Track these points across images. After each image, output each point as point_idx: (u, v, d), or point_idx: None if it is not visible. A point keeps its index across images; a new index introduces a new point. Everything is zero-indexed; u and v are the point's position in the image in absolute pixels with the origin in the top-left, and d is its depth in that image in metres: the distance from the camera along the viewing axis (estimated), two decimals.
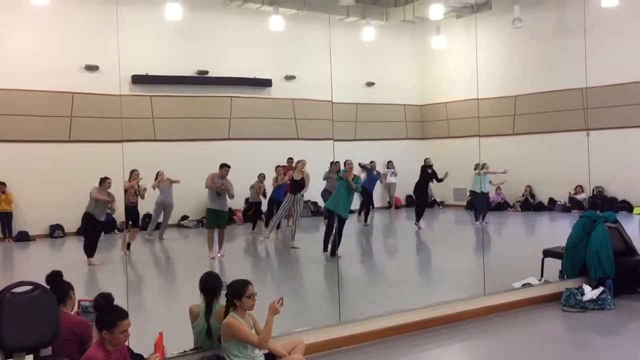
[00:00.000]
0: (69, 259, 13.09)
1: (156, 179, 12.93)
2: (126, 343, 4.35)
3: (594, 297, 7.05)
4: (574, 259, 7.83)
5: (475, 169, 14.46)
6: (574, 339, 6.47)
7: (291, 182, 12.14)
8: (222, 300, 5.07)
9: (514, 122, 18.65)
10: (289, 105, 18.17)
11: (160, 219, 13.66)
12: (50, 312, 4.35)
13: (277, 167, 14.23)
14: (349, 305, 6.96)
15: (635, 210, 15.69)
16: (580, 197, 17.01)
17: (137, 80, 15.88)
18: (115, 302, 4.27)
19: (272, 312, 4.89)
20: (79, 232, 15.10)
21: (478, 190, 14.71)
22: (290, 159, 14.68)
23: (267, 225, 13.31)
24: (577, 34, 13.15)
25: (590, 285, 7.32)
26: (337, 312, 6.28)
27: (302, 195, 12.10)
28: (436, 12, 17.59)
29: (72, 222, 15.09)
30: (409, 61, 20.54)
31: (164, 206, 13.30)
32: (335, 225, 10.43)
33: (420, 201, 14.58)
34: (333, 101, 8.95)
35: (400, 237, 15.22)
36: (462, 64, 15.20)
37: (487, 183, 14.93)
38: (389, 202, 18.82)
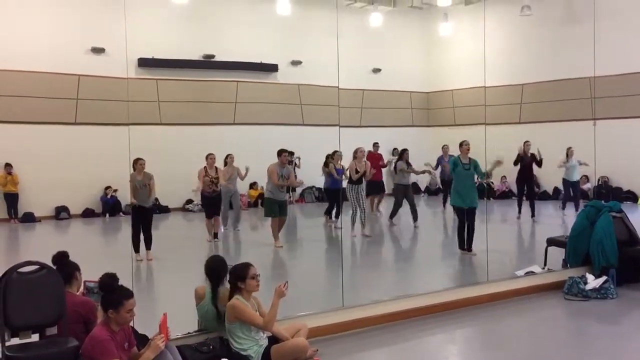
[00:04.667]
0: (75, 240, 13.17)
1: (226, 164, 11.69)
2: (131, 324, 4.39)
3: (597, 286, 7.07)
4: (578, 248, 7.83)
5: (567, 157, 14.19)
6: (575, 326, 6.50)
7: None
8: (228, 284, 5.09)
9: (520, 111, 18.56)
10: (294, 91, 18.13)
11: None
12: (56, 292, 4.38)
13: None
14: (352, 290, 6.99)
15: None
16: (585, 186, 16.93)
17: (143, 63, 15.86)
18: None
19: (278, 295, 4.92)
20: (84, 214, 15.24)
21: (570, 179, 14.44)
22: (376, 144, 14.43)
23: (329, 214, 13.05)
24: (586, 22, 13.03)
25: (593, 275, 7.34)
26: (341, 296, 6.30)
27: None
28: None
29: (77, 204, 15.19)
30: (416, 48, 20.44)
31: (230, 194, 11.86)
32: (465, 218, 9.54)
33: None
34: (339, 87, 8.91)
35: (404, 223, 15.19)
36: (470, 51, 15.11)
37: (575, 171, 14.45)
38: None
